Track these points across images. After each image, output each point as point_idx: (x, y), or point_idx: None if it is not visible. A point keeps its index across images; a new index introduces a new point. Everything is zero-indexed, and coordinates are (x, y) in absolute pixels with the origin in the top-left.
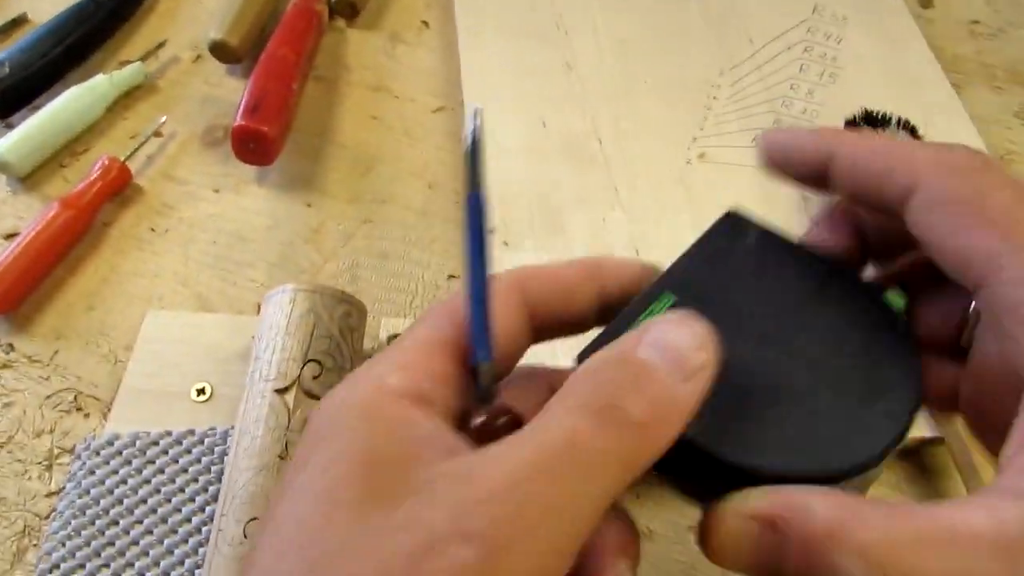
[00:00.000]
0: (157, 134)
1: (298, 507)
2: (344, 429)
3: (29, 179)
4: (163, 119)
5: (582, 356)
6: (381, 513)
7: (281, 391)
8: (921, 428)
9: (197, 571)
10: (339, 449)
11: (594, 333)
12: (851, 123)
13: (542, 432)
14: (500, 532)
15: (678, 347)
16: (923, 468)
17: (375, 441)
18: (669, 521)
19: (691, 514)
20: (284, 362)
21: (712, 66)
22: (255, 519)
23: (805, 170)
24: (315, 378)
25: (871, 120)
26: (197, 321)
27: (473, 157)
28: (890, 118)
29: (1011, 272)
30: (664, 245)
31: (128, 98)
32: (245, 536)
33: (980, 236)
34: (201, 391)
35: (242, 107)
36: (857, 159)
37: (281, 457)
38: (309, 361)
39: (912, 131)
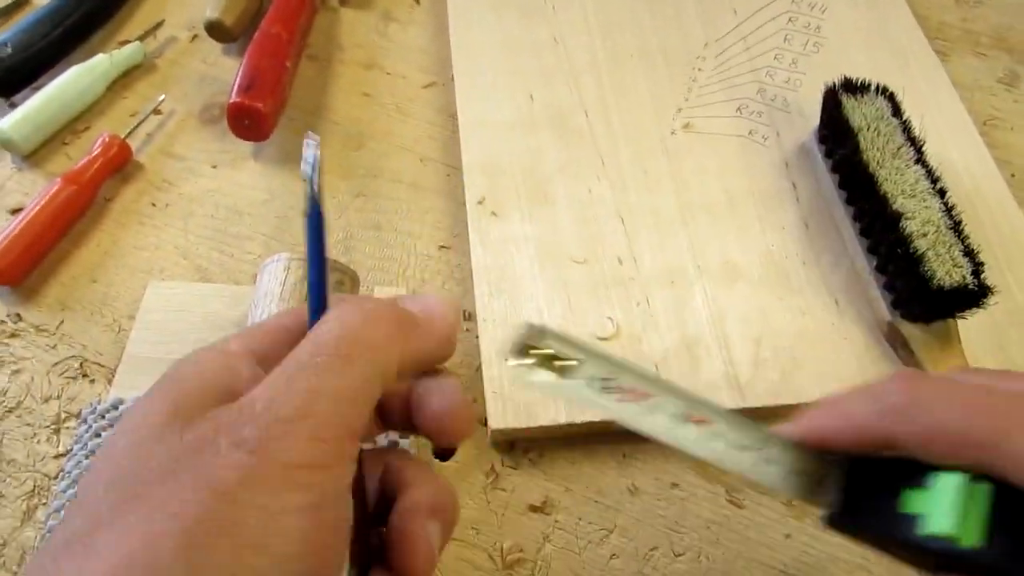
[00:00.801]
0: (156, 112)
1: (113, 444)
2: (173, 378)
3: (33, 156)
4: (162, 97)
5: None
6: (174, 433)
7: None
8: None
9: None
10: (160, 388)
11: None
12: (831, 91)
13: (293, 352)
14: (267, 434)
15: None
16: None
17: (192, 383)
18: (653, 478)
19: (674, 471)
20: None
21: (697, 38)
22: None
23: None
24: None
25: (851, 88)
26: (197, 291)
27: (312, 181)
28: (869, 85)
29: None
30: (647, 214)
31: (127, 77)
32: None
33: None
34: None
35: (236, 84)
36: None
37: None
38: None
39: (891, 98)
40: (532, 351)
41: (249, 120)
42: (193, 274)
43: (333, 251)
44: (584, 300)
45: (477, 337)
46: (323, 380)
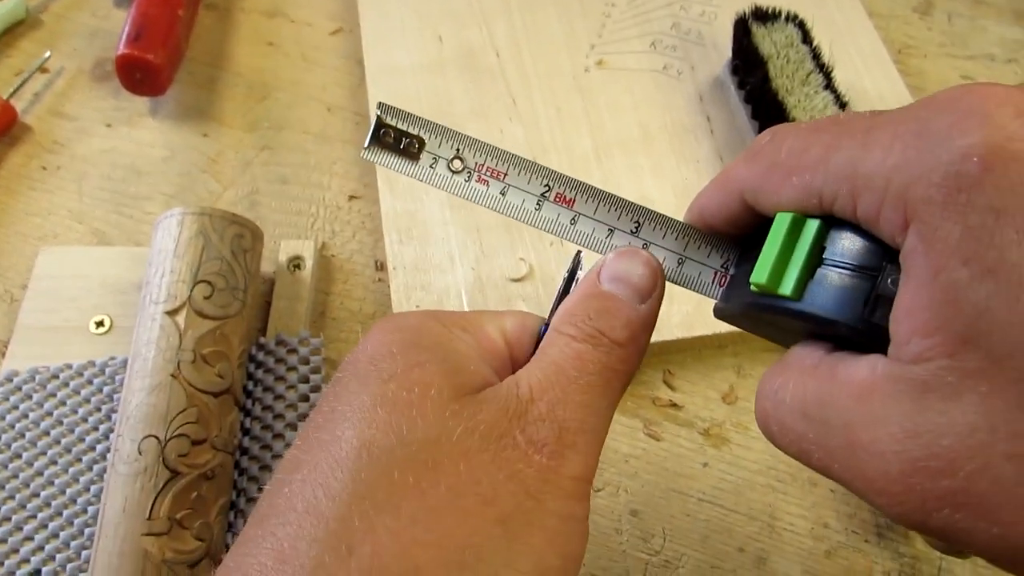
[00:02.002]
0: (43, 70)
1: (395, 401)
2: (425, 348)
3: None
4: (47, 54)
5: None
6: (463, 409)
7: (171, 312)
8: None
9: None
10: (425, 359)
11: None
12: (741, 20)
13: (553, 356)
14: (560, 442)
15: (631, 278)
16: None
17: (451, 360)
18: None
19: None
20: (174, 284)
21: None
22: (149, 436)
23: None
24: (206, 299)
25: (761, 16)
26: (93, 255)
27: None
28: (779, 13)
29: None
30: (561, 153)
31: (9, 35)
32: (140, 453)
33: None
34: (100, 323)
35: (125, 36)
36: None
37: (173, 376)
38: (199, 282)
39: (800, 25)
40: (384, 134)
41: (141, 73)
42: (90, 238)
43: (237, 207)
44: (497, 242)
45: (389, 286)
46: (593, 399)
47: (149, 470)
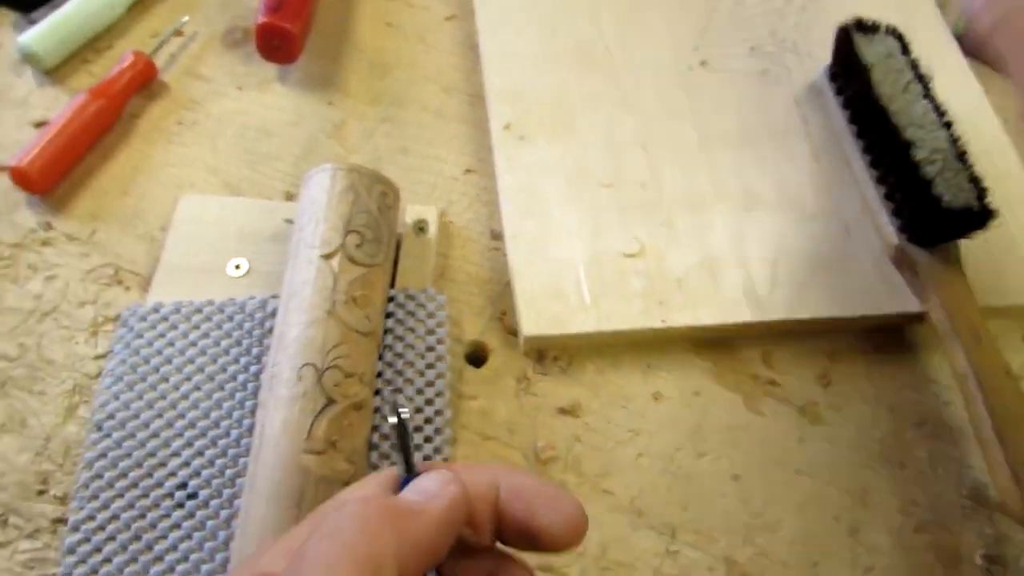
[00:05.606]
0: (178, 34)
1: None
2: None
3: (55, 72)
4: (185, 19)
5: None
6: None
7: (327, 256)
8: (904, 303)
9: (244, 421)
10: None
11: None
12: (843, 30)
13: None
14: None
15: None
16: (906, 343)
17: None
18: (676, 386)
19: (696, 381)
20: (327, 232)
21: None
22: (308, 365)
23: None
24: (358, 247)
25: (862, 27)
26: (230, 204)
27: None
28: (878, 25)
29: None
30: (667, 142)
31: (142, 2)
32: (299, 379)
33: None
34: (238, 267)
35: (264, 5)
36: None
37: (329, 313)
38: (351, 232)
39: (899, 37)
40: None
41: (279, 41)
42: (223, 190)
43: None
44: (611, 220)
45: (504, 255)
46: None
47: (308, 395)
